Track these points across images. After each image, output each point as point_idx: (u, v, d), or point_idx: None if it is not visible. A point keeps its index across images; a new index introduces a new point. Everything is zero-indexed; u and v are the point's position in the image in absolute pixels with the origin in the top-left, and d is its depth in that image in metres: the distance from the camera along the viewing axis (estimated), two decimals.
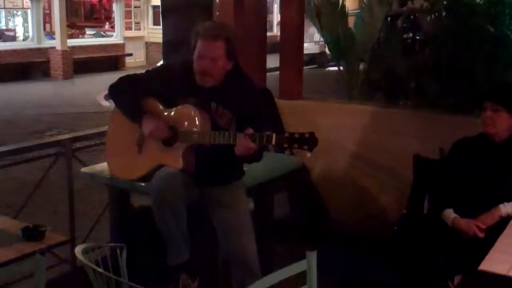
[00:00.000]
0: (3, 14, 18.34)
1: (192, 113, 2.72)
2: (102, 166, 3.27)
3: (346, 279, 3.77)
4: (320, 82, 10.19)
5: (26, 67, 16.19)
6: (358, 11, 7.55)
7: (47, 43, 16.96)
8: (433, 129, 3.94)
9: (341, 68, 6.99)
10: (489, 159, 3.10)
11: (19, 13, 18.39)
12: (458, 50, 4.98)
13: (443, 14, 5.77)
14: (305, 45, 5.93)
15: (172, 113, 2.78)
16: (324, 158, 4.36)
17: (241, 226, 2.85)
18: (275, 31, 18.59)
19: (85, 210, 4.65)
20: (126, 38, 19.18)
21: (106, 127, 3.10)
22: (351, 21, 6.93)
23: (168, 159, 2.73)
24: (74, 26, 20.68)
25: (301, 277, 1.94)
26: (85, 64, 17.15)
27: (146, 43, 20.19)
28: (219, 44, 2.69)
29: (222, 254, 3.00)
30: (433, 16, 6.28)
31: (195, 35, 2.73)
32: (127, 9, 19.95)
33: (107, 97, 10.00)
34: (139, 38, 20.17)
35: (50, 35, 17.76)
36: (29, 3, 17.05)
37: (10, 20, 18.48)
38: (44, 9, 17.85)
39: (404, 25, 8.47)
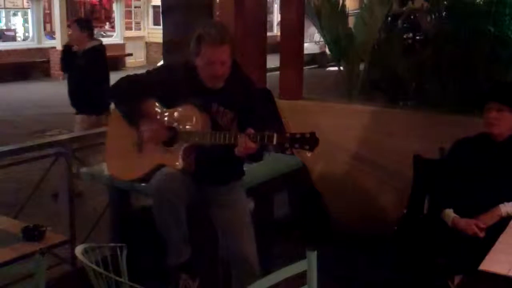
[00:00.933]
0: (3, 14, 18.34)
1: (193, 113, 2.72)
2: (102, 166, 3.27)
3: (346, 279, 3.77)
4: (320, 82, 10.18)
5: (26, 67, 16.18)
6: (358, 11, 7.55)
7: (47, 43, 16.95)
8: (433, 129, 3.94)
9: (341, 68, 6.99)
10: (489, 159, 3.10)
11: (19, 13, 18.38)
12: (458, 50, 4.99)
13: (443, 14, 5.77)
14: (305, 45, 5.92)
15: (172, 114, 2.78)
16: (324, 158, 4.37)
17: (241, 226, 2.85)
18: (275, 31, 18.60)
19: (85, 210, 4.65)
20: (126, 38, 19.17)
21: (106, 127, 3.10)
22: (351, 21, 6.93)
23: (168, 159, 2.73)
24: None
25: (301, 277, 1.94)
26: None
27: (146, 43, 20.18)
28: (226, 48, 2.70)
29: (222, 254, 3.00)
30: (433, 16, 6.28)
31: (198, 41, 2.71)
32: (127, 9, 19.94)
33: None
34: (139, 38, 20.16)
35: (50, 35, 17.76)
36: (29, 3, 17.05)
37: (10, 20, 18.47)
38: (44, 9, 17.85)
39: (404, 25, 8.45)
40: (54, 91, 14.34)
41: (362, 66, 6.85)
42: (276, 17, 20.50)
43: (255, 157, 2.72)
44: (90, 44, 5.78)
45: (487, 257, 2.22)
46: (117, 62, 18.50)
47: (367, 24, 6.57)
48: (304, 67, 5.21)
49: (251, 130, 2.55)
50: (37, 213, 4.55)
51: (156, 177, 2.69)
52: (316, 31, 7.77)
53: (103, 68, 5.85)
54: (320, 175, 4.49)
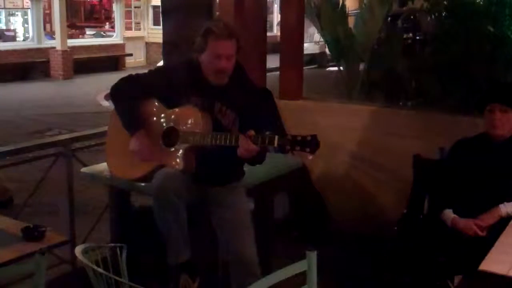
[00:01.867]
0: (3, 14, 18.34)
1: (194, 113, 2.72)
2: (102, 166, 3.27)
3: (346, 279, 3.77)
4: (320, 82, 10.18)
5: (26, 67, 16.19)
6: (358, 11, 7.56)
7: (47, 43, 16.96)
8: (433, 129, 3.94)
9: (341, 68, 6.99)
10: (489, 159, 3.10)
11: (19, 13, 18.38)
12: (458, 50, 4.99)
13: (443, 14, 5.78)
14: (305, 45, 5.93)
15: (174, 114, 2.78)
16: (324, 158, 4.36)
17: (241, 226, 2.85)
18: (275, 31, 18.58)
19: (85, 210, 4.65)
20: (126, 38, 19.18)
21: (106, 127, 3.09)
22: (351, 21, 6.94)
23: (168, 159, 2.73)
24: (74, 26, 20.70)
25: (301, 277, 1.94)
26: (85, 64, 17.14)
27: (146, 43, 20.18)
28: (233, 43, 2.73)
29: (222, 254, 3.00)
30: (433, 16, 6.29)
31: (206, 35, 2.73)
32: (127, 9, 19.94)
33: (107, 97, 10.01)
34: (139, 38, 20.17)
35: (50, 35, 17.76)
36: (29, 3, 17.05)
37: (10, 20, 18.47)
38: (44, 9, 17.85)
39: (404, 25, 8.47)
40: (54, 91, 14.36)
41: (362, 66, 6.85)
42: (276, 17, 20.50)
43: (257, 159, 2.71)
44: None
45: (487, 257, 2.22)
46: (117, 62, 18.51)
47: (367, 24, 6.58)
48: (304, 67, 5.21)
49: (251, 132, 2.55)
50: (37, 213, 4.56)
51: (156, 177, 2.69)
52: (316, 31, 7.78)
53: None
54: (320, 175, 4.49)
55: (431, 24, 6.48)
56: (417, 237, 3.19)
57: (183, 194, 2.68)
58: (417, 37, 8.16)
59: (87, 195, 4.98)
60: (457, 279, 2.90)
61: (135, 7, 20.41)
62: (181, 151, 2.72)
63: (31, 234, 2.48)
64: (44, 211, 4.96)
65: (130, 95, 2.80)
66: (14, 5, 18.17)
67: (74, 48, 16.87)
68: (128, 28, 19.86)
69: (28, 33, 17.36)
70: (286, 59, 4.76)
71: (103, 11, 23.78)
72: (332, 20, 6.52)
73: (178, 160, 2.71)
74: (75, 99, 12.98)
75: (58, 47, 16.31)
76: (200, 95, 2.77)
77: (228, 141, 2.60)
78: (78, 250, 2.20)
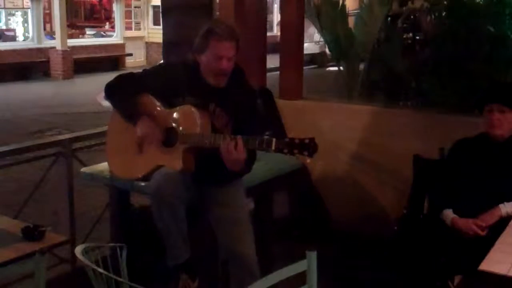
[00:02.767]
0: (3, 14, 18.34)
1: (193, 114, 2.72)
2: (102, 166, 3.27)
3: (346, 279, 3.77)
4: (320, 82, 10.18)
5: (26, 67, 16.19)
6: (358, 11, 7.55)
7: (47, 43, 16.96)
8: (433, 129, 3.94)
9: (341, 68, 6.99)
10: (489, 159, 3.10)
11: (19, 13, 18.38)
12: (458, 50, 4.98)
13: (443, 14, 5.78)
14: (305, 45, 5.92)
15: (173, 114, 2.78)
16: (324, 158, 4.35)
17: (240, 225, 2.85)
18: (275, 31, 18.58)
19: (85, 210, 4.65)
20: (126, 38, 19.18)
21: (106, 127, 3.09)
22: (351, 21, 6.93)
23: (167, 159, 2.73)
24: (74, 26, 20.69)
25: (301, 277, 1.94)
26: (85, 64, 17.15)
27: (146, 43, 20.18)
28: (234, 44, 2.73)
29: (222, 254, 3.00)
30: (433, 16, 6.29)
31: (207, 36, 2.73)
32: (127, 9, 19.94)
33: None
34: (139, 38, 20.17)
35: (50, 35, 17.77)
36: (29, 3, 17.05)
37: (10, 20, 18.47)
38: (44, 9, 17.85)
39: (404, 25, 8.46)
40: (54, 91, 14.36)
41: (362, 66, 6.85)
42: (276, 17, 20.50)
43: (238, 168, 2.65)
44: None
45: (487, 257, 2.22)
46: (117, 62, 18.52)
47: (367, 24, 6.58)
48: (304, 67, 5.21)
49: (241, 137, 2.54)
50: (37, 213, 4.56)
51: (155, 177, 2.69)
52: (316, 31, 7.77)
53: None
54: (320, 175, 4.49)
55: (431, 24, 6.47)
56: (417, 237, 3.19)
57: (182, 194, 2.68)
58: (417, 37, 8.16)
59: (87, 195, 4.98)
60: (457, 279, 2.90)
61: (135, 7, 20.41)
62: (180, 151, 2.71)
63: (31, 234, 2.48)
64: (44, 211, 4.96)
65: (126, 89, 2.80)
66: (14, 5, 18.18)
67: (74, 48, 16.87)
68: (128, 28, 19.86)
69: (28, 33, 17.36)
70: (286, 59, 4.76)
71: (103, 11, 23.78)
72: (332, 20, 6.52)
73: (177, 160, 2.71)
74: (75, 99, 12.98)
75: (58, 47, 16.31)
76: (195, 95, 2.76)
77: None
78: (78, 250, 2.20)
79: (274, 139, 2.48)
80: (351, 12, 8.47)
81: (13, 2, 18.05)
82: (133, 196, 3.54)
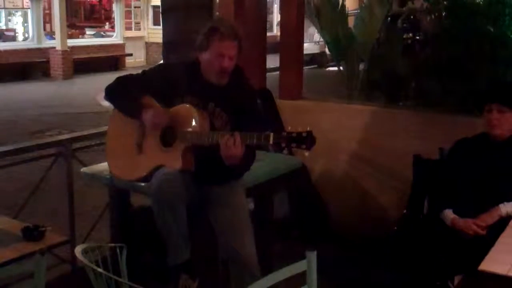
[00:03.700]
0: (3, 14, 18.34)
1: (192, 113, 2.72)
2: (102, 166, 3.27)
3: (346, 279, 3.77)
4: (320, 82, 10.19)
5: (26, 67, 16.19)
6: (358, 11, 7.55)
7: (47, 43, 16.96)
8: (433, 129, 3.94)
9: (341, 68, 6.99)
10: (489, 159, 3.10)
11: (19, 13, 18.38)
12: (458, 50, 4.98)
13: (443, 14, 5.77)
14: (305, 45, 5.93)
15: (172, 113, 2.78)
16: (324, 158, 4.37)
17: (240, 225, 2.85)
18: (275, 31, 18.59)
19: (85, 210, 4.65)
20: (126, 38, 19.18)
21: (106, 127, 3.10)
22: (351, 21, 6.93)
23: (167, 159, 2.73)
24: (74, 26, 20.69)
25: (301, 277, 1.94)
26: (85, 64, 17.15)
27: (146, 43, 20.19)
28: (236, 44, 2.74)
29: (222, 254, 3.00)
30: (433, 16, 6.29)
31: (210, 34, 2.73)
32: (127, 9, 19.95)
33: None
34: (139, 38, 20.17)
35: (50, 35, 17.76)
36: (29, 3, 17.05)
37: (10, 20, 18.47)
38: (44, 9, 17.85)
39: (404, 25, 8.46)
40: (54, 91, 14.36)
41: (362, 66, 6.85)
42: (276, 17, 20.50)
43: (237, 164, 2.65)
44: None
45: (487, 257, 2.22)
46: (117, 62, 18.52)
47: (367, 24, 6.58)
48: (304, 67, 5.21)
49: (239, 133, 2.54)
50: (37, 213, 4.56)
51: (156, 177, 2.69)
52: (316, 31, 7.78)
53: None
54: (320, 175, 4.49)
55: (431, 24, 6.47)
56: (417, 237, 3.19)
57: (183, 194, 2.68)
58: (417, 37, 8.16)
59: (87, 195, 4.98)
60: (457, 279, 2.90)
61: (135, 7, 20.42)
62: (180, 151, 2.72)
63: (31, 234, 2.48)
64: (44, 211, 4.96)
65: (126, 91, 2.81)
66: (14, 5, 18.18)
67: (74, 48, 16.87)
68: (128, 28, 19.86)
69: (28, 33, 17.36)
70: (286, 59, 4.76)
71: (103, 11, 23.79)
72: (332, 20, 6.52)
73: (177, 159, 2.71)
74: (75, 99, 12.98)
75: (58, 47, 16.31)
76: (195, 95, 2.77)
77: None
78: (78, 250, 2.20)
79: (271, 133, 2.48)
80: (351, 12, 8.47)
81: (13, 2, 18.05)
82: (133, 196, 3.54)
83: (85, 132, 4.15)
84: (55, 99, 13.04)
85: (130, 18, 20.26)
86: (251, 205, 3.48)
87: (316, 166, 4.46)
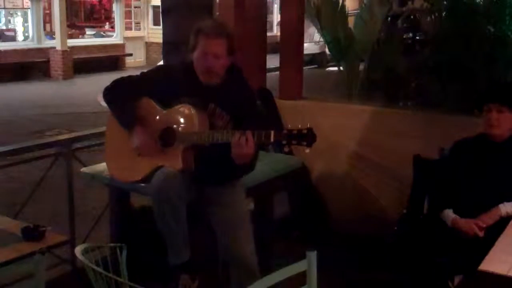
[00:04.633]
0: (3, 14, 18.34)
1: (190, 113, 2.72)
2: (102, 166, 3.27)
3: (346, 279, 3.77)
4: (320, 82, 10.18)
5: (26, 67, 16.18)
6: (358, 11, 7.55)
7: (47, 43, 16.94)
8: (433, 129, 3.94)
9: (341, 68, 6.99)
10: (489, 159, 3.10)
11: (19, 13, 18.38)
12: (458, 50, 4.99)
13: (443, 14, 5.77)
14: (305, 45, 5.92)
15: (170, 114, 2.78)
16: (324, 158, 4.36)
17: (240, 225, 2.85)
18: (275, 31, 18.58)
19: (85, 210, 4.65)
20: (126, 38, 19.17)
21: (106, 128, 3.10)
22: (351, 21, 6.94)
23: (167, 160, 2.73)
24: (74, 26, 20.69)
25: (301, 277, 1.94)
26: (85, 64, 17.14)
27: (146, 43, 20.18)
28: (222, 41, 2.73)
29: (222, 254, 3.00)
30: (433, 16, 6.29)
31: (196, 34, 2.75)
32: (127, 9, 19.94)
33: None
34: (139, 38, 20.16)
35: (50, 35, 17.76)
36: (29, 3, 17.04)
37: (10, 20, 18.47)
38: (44, 9, 17.84)
39: (404, 25, 8.47)
40: (54, 91, 14.36)
41: (362, 66, 6.85)
42: (276, 17, 20.50)
43: (248, 163, 2.67)
44: None
45: (487, 257, 2.22)
46: (117, 62, 18.51)
47: (367, 24, 6.58)
48: (304, 67, 5.21)
49: (249, 133, 2.55)
50: (37, 213, 4.56)
51: (156, 177, 2.69)
52: (316, 31, 7.78)
53: None
54: (320, 175, 4.48)
55: (431, 24, 6.47)
56: (417, 237, 3.19)
57: (183, 194, 2.68)
58: (417, 37, 8.16)
59: (87, 195, 4.98)
60: (457, 279, 2.90)
61: (135, 7, 20.40)
62: (179, 151, 2.72)
63: (31, 234, 2.48)
64: (44, 211, 4.96)
65: (124, 95, 2.81)
66: (14, 5, 18.17)
67: (74, 48, 16.87)
68: (128, 28, 19.85)
69: (28, 33, 17.35)
70: (286, 59, 4.76)
71: (103, 11, 23.78)
72: (332, 20, 6.52)
73: (177, 159, 2.71)
74: (75, 99, 12.98)
75: (58, 47, 16.30)
76: (193, 96, 2.77)
77: (225, 138, 2.60)
78: (78, 250, 2.20)
79: (272, 131, 2.48)
80: (351, 12, 8.48)
81: (13, 2, 18.04)
82: (133, 196, 3.54)
83: (85, 132, 4.15)
84: (55, 99, 13.04)
85: (130, 18, 20.25)
86: (251, 205, 3.48)
87: (316, 166, 4.46)
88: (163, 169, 2.70)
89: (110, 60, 18.28)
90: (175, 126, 2.75)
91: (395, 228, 3.37)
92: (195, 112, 2.72)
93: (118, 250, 2.40)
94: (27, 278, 2.53)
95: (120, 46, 18.95)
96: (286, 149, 2.52)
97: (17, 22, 18.45)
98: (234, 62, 2.86)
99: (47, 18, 18.85)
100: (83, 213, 4.37)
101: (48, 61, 16.40)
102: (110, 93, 2.86)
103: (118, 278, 2.03)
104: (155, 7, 19.69)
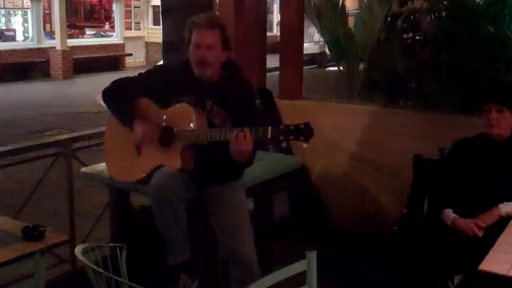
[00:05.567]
0: (3, 14, 18.34)
1: (189, 112, 2.73)
2: (102, 166, 3.27)
3: (346, 279, 3.77)
4: (320, 82, 10.19)
5: (26, 67, 16.19)
6: (358, 11, 7.55)
7: (47, 43, 16.95)
8: (433, 129, 3.94)
9: (341, 68, 6.99)
10: (489, 159, 3.10)
11: (19, 13, 18.38)
12: (458, 50, 4.99)
13: (443, 14, 5.77)
14: (305, 45, 5.93)
15: (169, 113, 2.79)
16: (324, 158, 4.37)
17: (240, 225, 2.85)
18: (275, 31, 18.58)
19: (85, 210, 4.65)
20: (126, 38, 19.18)
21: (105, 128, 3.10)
22: (351, 21, 6.94)
23: (166, 159, 2.73)
24: (74, 26, 20.69)
25: (301, 277, 1.94)
26: (85, 64, 17.15)
27: (146, 43, 20.19)
28: (215, 33, 2.74)
29: (221, 254, 3.00)
30: (433, 16, 6.29)
31: (190, 27, 2.77)
32: (127, 9, 19.95)
33: None
34: (139, 38, 20.17)
35: (50, 35, 17.76)
36: (29, 3, 17.04)
37: (10, 20, 18.47)
38: (44, 9, 17.85)
39: (404, 25, 8.47)
40: (54, 91, 14.36)
41: (362, 66, 6.85)
42: (276, 17, 20.50)
43: (246, 160, 2.69)
44: None
45: (487, 257, 2.22)
46: (117, 62, 18.52)
47: (367, 24, 6.59)
48: (304, 67, 5.21)
49: (246, 130, 2.55)
50: (37, 213, 4.56)
51: (155, 177, 2.69)
52: (316, 31, 7.79)
53: None
54: (320, 175, 4.49)
55: (431, 24, 6.47)
56: (417, 237, 3.19)
57: (182, 194, 2.68)
58: (417, 37, 8.16)
59: (87, 195, 4.98)
60: (457, 279, 2.90)
61: (135, 7, 20.41)
62: (178, 150, 2.72)
63: (31, 234, 2.48)
64: (44, 211, 4.96)
65: (122, 95, 2.82)
66: (14, 5, 18.17)
67: (74, 48, 16.88)
68: (128, 28, 19.86)
69: (28, 33, 17.36)
70: (286, 59, 4.76)
71: (103, 11, 23.79)
72: (332, 20, 6.52)
73: (176, 159, 2.71)
74: (75, 99, 12.98)
75: (58, 47, 16.31)
76: (191, 94, 2.77)
77: (223, 136, 2.60)
78: (78, 250, 2.20)
79: (269, 127, 2.48)
80: (351, 12, 8.48)
81: (13, 2, 18.05)
82: (133, 196, 3.54)
83: (85, 132, 4.15)
84: (55, 99, 13.04)
85: (130, 18, 20.26)
86: (251, 205, 3.48)
87: (316, 166, 4.46)
88: (162, 169, 2.70)
89: (110, 60, 18.29)
90: (173, 125, 2.75)
91: (395, 228, 3.37)
92: (193, 111, 2.72)
93: (118, 250, 2.40)
94: (27, 278, 2.53)
95: (120, 46, 18.96)
96: (284, 145, 2.50)
97: (17, 22, 18.45)
98: (230, 58, 2.86)
99: (47, 18, 18.86)
100: (83, 213, 4.37)
101: (48, 61, 16.41)
102: (108, 93, 2.86)
103: (118, 278, 2.03)
104: (155, 7, 19.70)
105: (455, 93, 4.88)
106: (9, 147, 3.75)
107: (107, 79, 2.92)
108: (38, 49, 16.61)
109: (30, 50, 16.54)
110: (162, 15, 4.16)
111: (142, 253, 3.34)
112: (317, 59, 18.81)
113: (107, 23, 22.33)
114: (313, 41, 18.15)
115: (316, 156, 4.32)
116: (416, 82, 5.91)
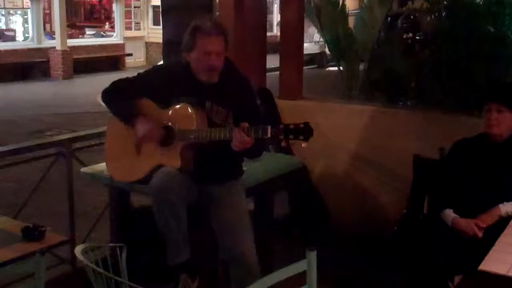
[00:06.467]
0: (3, 14, 18.34)
1: (188, 111, 2.73)
2: (102, 166, 3.27)
3: (346, 279, 3.77)
4: (320, 82, 10.19)
5: (26, 67, 16.20)
6: (358, 11, 7.56)
7: (47, 43, 16.97)
8: (433, 129, 3.94)
9: (341, 68, 7.00)
10: (489, 159, 3.10)
11: (19, 13, 18.38)
12: (458, 50, 4.99)
13: (443, 14, 5.78)
14: (305, 45, 5.93)
15: (168, 113, 2.79)
16: (324, 158, 4.37)
17: (240, 225, 2.85)
18: (275, 31, 18.60)
19: (85, 210, 4.65)
20: (126, 38, 19.19)
21: (105, 128, 3.10)
22: (351, 21, 6.94)
23: (166, 158, 2.74)
24: (74, 26, 20.70)
25: (301, 277, 1.94)
26: (85, 64, 17.16)
27: (146, 43, 20.20)
28: (222, 39, 2.74)
29: (222, 254, 3.00)
30: (433, 16, 6.29)
31: (193, 33, 2.74)
32: (127, 9, 19.95)
33: None
34: (139, 38, 20.18)
35: (50, 35, 17.77)
36: (29, 3, 17.05)
37: (10, 20, 18.47)
38: (44, 9, 17.86)
39: (404, 25, 8.48)
40: (54, 91, 14.36)
41: (362, 66, 6.86)
42: (276, 17, 20.51)
43: (253, 152, 2.71)
44: None
45: (487, 257, 2.22)
46: (117, 62, 18.53)
47: (367, 24, 6.59)
48: (304, 67, 5.21)
49: (245, 124, 2.55)
50: (37, 213, 4.56)
51: (156, 177, 2.70)
52: (316, 31, 7.79)
53: None
54: (320, 175, 4.49)
55: (431, 24, 6.47)
56: (417, 237, 3.19)
57: (183, 194, 2.68)
58: (417, 37, 8.17)
59: (87, 195, 4.98)
60: (457, 279, 2.90)
61: (135, 7, 20.42)
62: (178, 149, 2.72)
63: (31, 234, 2.48)
64: (44, 211, 4.96)
65: (122, 95, 2.82)
66: (14, 5, 18.18)
67: (74, 48, 16.88)
68: (128, 28, 19.87)
69: (28, 33, 17.37)
70: (286, 59, 4.76)
71: (103, 11, 23.78)
72: (332, 20, 6.53)
73: (176, 158, 2.71)
74: (75, 99, 12.98)
75: (58, 47, 16.32)
76: (190, 95, 2.77)
77: (222, 135, 2.61)
78: (78, 250, 2.20)
79: (269, 126, 2.49)
80: (351, 12, 8.48)
81: (13, 2, 18.05)
82: (133, 196, 3.54)
83: (85, 132, 4.15)
84: (55, 99, 13.04)
85: (130, 18, 20.27)
86: (251, 205, 3.48)
87: (316, 166, 4.46)
88: (163, 169, 2.71)
89: (110, 60, 18.29)
90: (173, 124, 2.75)
91: (395, 228, 3.37)
92: (193, 110, 2.73)
93: (118, 250, 2.40)
94: (27, 278, 2.53)
95: (120, 46, 18.96)
96: (283, 144, 2.52)
97: (17, 22, 18.45)
98: (226, 57, 2.87)
99: (47, 18, 18.86)
100: (83, 213, 4.37)
101: (48, 61, 16.42)
102: (108, 94, 2.87)
103: (118, 278, 2.03)
104: (155, 7, 19.71)
105: (455, 93, 4.89)
106: (9, 147, 3.76)
107: (107, 79, 2.92)
108: (38, 49, 16.61)
109: (30, 50, 16.55)
110: (162, 15, 4.16)
111: (142, 253, 3.34)
112: (317, 59, 18.82)
113: (107, 23, 22.33)
114: (313, 41, 18.16)
115: (316, 156, 4.32)
116: (416, 82, 5.91)
